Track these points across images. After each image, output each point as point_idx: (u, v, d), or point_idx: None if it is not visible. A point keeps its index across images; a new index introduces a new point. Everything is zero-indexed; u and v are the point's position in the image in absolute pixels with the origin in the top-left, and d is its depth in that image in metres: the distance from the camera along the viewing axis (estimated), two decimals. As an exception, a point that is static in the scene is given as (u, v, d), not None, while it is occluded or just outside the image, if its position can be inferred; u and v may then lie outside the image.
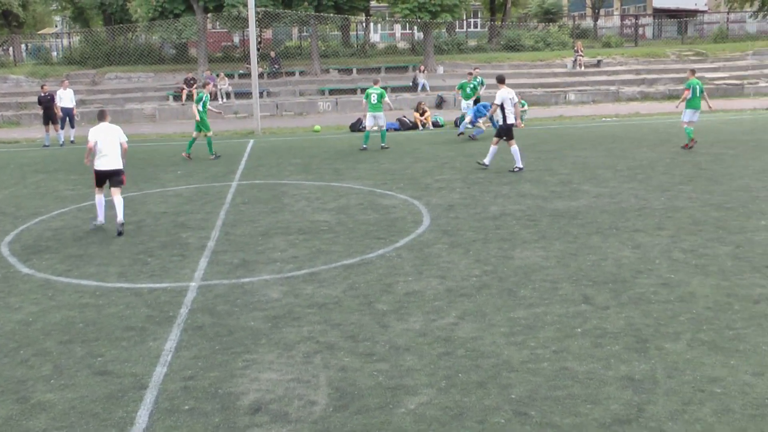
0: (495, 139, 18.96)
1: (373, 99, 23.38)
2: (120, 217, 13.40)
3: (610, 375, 7.35)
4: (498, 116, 19.89)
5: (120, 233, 13.26)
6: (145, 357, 8.01)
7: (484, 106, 25.58)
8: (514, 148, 18.56)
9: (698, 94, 21.61)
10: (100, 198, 13.94)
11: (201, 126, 22.09)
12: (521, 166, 18.47)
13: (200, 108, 21.82)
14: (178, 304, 9.69)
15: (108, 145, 13.57)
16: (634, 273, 10.48)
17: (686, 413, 6.60)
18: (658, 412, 6.62)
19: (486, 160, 18.98)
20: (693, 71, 22.81)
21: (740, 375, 7.33)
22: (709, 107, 22.50)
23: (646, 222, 13.31)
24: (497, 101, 18.68)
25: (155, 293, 10.13)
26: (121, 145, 13.75)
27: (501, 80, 19.14)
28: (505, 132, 18.73)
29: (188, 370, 7.65)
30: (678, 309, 9.10)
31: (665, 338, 8.22)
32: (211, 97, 35.07)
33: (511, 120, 18.63)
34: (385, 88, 32.01)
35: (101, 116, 14.03)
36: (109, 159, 13.59)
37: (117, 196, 13.58)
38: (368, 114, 23.67)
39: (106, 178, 13.71)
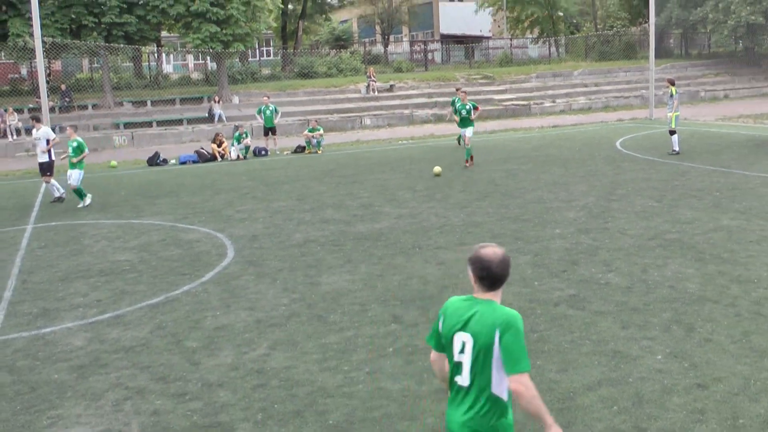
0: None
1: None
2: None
3: (423, 390, 7.47)
4: None
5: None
6: (-64, 428, 7.39)
7: None
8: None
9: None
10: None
11: None
12: None
13: None
14: (-29, 363, 9.02)
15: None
16: (440, 288, 10.74)
17: (498, 421, 6.79)
18: (472, 422, 6.77)
19: None
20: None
21: (546, 374, 7.66)
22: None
23: (448, 239, 13.69)
24: None
25: (-57, 352, 9.41)
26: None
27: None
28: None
29: (-15, 436, 7.14)
30: (483, 320, 9.38)
31: (473, 350, 8.44)
32: (-1, 134, 33.42)
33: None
34: (180, 120, 33.01)
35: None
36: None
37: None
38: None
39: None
